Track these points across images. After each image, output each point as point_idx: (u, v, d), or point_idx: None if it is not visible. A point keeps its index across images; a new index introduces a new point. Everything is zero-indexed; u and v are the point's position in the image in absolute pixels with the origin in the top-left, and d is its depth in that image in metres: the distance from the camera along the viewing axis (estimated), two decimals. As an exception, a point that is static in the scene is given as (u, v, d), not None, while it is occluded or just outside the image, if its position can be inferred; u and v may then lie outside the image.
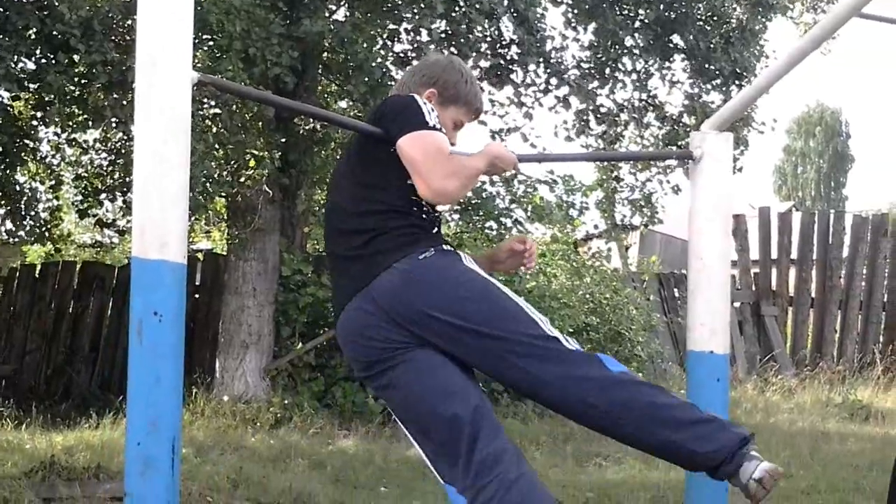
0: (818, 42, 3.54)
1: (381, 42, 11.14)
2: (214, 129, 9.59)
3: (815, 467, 8.14)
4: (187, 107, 2.96)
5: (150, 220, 2.88)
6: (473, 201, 11.29)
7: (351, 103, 11.52)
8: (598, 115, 12.26)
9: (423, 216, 3.39)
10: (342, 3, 11.25)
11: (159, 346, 2.87)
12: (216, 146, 9.56)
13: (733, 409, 8.88)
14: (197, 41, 2.99)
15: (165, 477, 2.88)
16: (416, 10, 10.21)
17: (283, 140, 10.19)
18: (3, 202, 10.01)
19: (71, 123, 10.90)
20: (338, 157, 11.69)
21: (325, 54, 10.81)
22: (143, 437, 2.86)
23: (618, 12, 11.72)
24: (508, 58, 11.46)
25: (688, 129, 12.26)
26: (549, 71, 11.65)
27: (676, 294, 14.52)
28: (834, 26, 3.40)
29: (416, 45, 10.99)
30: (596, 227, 14.33)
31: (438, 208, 3.48)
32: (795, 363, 13.51)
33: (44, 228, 11.34)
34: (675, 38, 12.12)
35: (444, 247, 3.39)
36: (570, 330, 10.98)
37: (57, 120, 10.45)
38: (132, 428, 2.89)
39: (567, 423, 9.85)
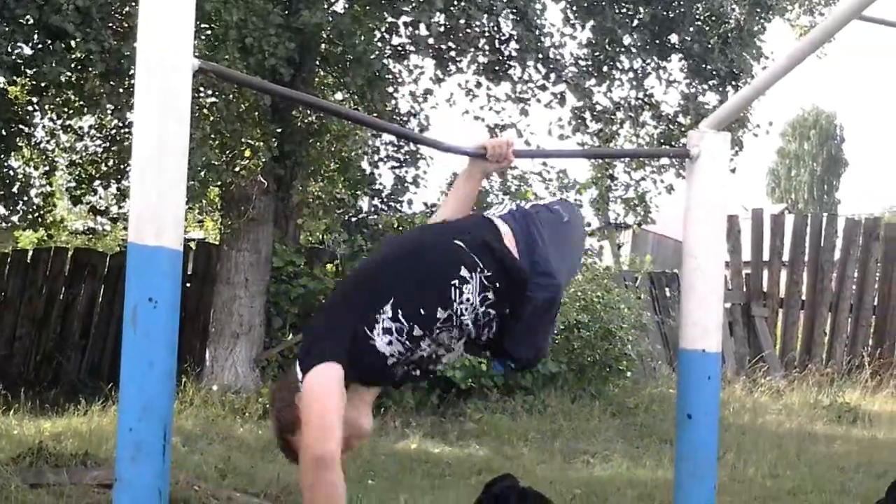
0: (818, 44, 3.56)
1: (379, 35, 11.13)
2: (211, 118, 9.58)
3: (801, 468, 8.17)
4: (187, 94, 2.95)
5: (148, 207, 2.88)
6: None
7: (348, 95, 11.52)
8: (595, 113, 12.25)
9: None
10: (341, -5, 11.25)
11: (153, 331, 2.87)
12: (212, 135, 9.55)
13: (721, 409, 8.90)
14: (194, 30, 2.98)
15: (157, 463, 2.88)
16: (415, 4, 10.20)
17: (280, 131, 10.17)
18: (-4, 187, 9.99)
19: (66, 110, 10.89)
20: (333, 149, 11.71)
21: (323, 46, 10.81)
22: (135, 423, 2.86)
23: (616, 10, 11.71)
24: (507, 54, 11.46)
25: (683, 129, 12.25)
26: (546, 67, 11.64)
27: (668, 294, 14.53)
28: (834, 28, 3.41)
29: (414, 39, 10.99)
30: (588, 224, 14.31)
31: None
32: (784, 365, 13.53)
33: (36, 214, 11.33)
34: (673, 38, 12.11)
35: None
36: (561, 327, 10.99)
37: (52, 106, 10.45)
38: (124, 413, 2.89)
39: (556, 419, 9.88)
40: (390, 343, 3.30)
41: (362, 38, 10.02)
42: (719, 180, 3.92)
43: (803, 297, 14.23)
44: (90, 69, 9.20)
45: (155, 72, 2.90)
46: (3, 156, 10.03)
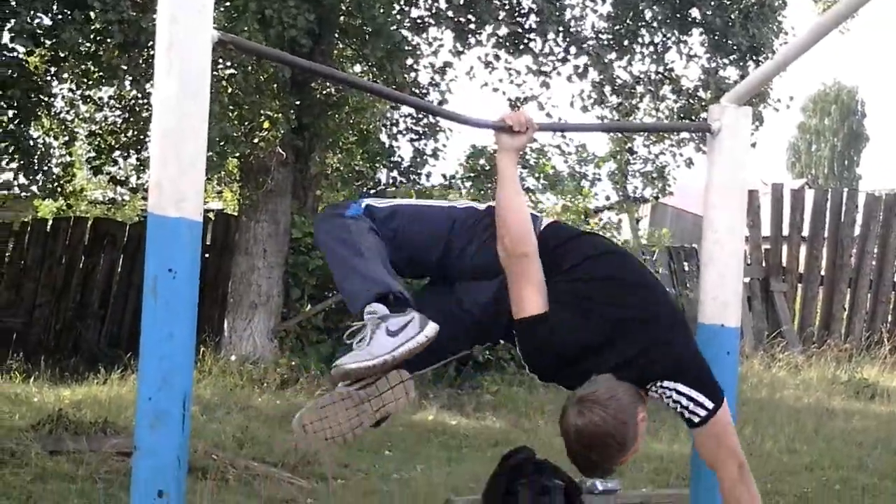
0: (841, 19, 3.52)
1: (398, 7, 11.10)
2: (230, 90, 9.58)
3: (819, 443, 8.17)
4: (207, 65, 2.95)
5: (168, 178, 2.88)
6: (487, 168, 11.28)
7: (367, 67, 11.50)
8: (615, 87, 12.20)
9: None
10: (361, -34, 11.21)
11: (173, 302, 2.87)
12: (231, 107, 9.56)
13: (740, 384, 8.88)
14: (214, 1, 2.98)
15: (176, 432, 2.89)
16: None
17: (298, 103, 10.17)
18: (16, 156, 10.00)
19: (85, 80, 10.91)
20: (352, 121, 11.70)
21: (342, 18, 10.78)
22: (154, 392, 2.87)
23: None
24: (527, 26, 11.42)
25: (703, 104, 12.20)
26: (567, 40, 11.59)
27: (686, 268, 14.50)
28: (858, 3, 3.37)
29: (434, 11, 10.95)
30: (608, 198, 14.28)
31: None
32: (803, 340, 13.50)
33: (56, 184, 11.36)
34: (694, 12, 12.04)
35: None
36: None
37: (71, 76, 10.45)
38: (144, 382, 2.90)
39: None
40: None
41: (381, 10, 10.00)
42: (740, 155, 3.90)
43: (822, 273, 14.17)
44: (108, 40, 9.21)
45: (175, 44, 2.90)
46: (23, 125, 10.04)
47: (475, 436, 8.16)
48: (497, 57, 11.81)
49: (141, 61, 9.40)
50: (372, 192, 11.60)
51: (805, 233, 14.25)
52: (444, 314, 3.39)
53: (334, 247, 3.44)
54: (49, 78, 10.58)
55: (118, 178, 11.96)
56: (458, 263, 3.57)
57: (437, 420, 8.78)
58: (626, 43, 12.10)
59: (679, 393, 3.26)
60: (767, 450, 7.83)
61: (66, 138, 11.97)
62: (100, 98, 11.86)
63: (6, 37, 9.16)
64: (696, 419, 3.28)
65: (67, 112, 12.11)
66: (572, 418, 3.17)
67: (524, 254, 3.40)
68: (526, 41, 11.50)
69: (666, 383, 3.27)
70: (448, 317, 3.41)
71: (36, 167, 10.24)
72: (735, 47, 11.87)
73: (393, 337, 3.16)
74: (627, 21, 11.86)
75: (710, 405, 3.27)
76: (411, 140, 11.66)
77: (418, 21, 11.42)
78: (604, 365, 3.24)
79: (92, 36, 9.58)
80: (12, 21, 8.72)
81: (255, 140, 9.98)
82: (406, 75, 10.66)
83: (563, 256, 3.48)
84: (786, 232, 14.23)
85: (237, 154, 10.09)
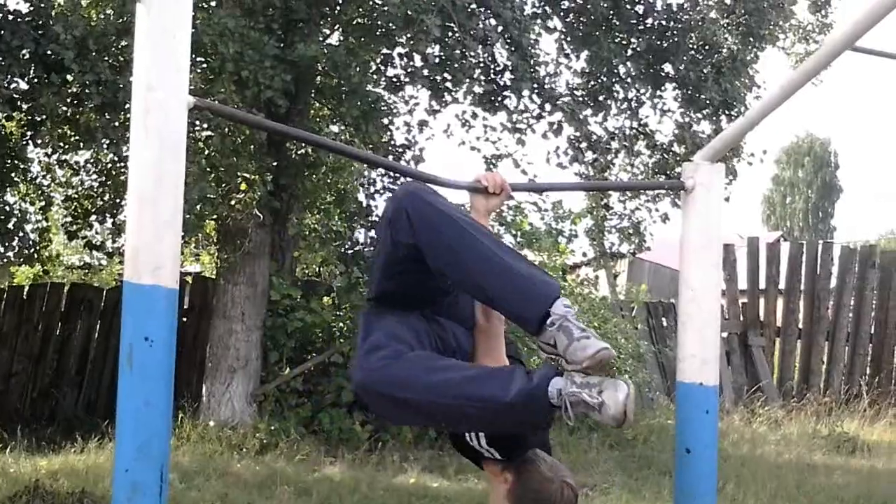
0: (811, 75, 3.56)
1: (374, 66, 11.18)
2: (207, 152, 9.60)
3: (801, 500, 8.14)
4: (183, 131, 2.95)
5: (144, 245, 2.87)
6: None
7: (343, 127, 11.55)
8: (590, 143, 12.29)
9: None
10: (337, 28, 11.29)
11: (149, 370, 2.85)
12: (208, 168, 9.57)
13: (721, 439, 8.88)
14: (190, 63, 2.99)
15: (153, 503, 2.86)
16: (410, 36, 10.24)
17: (275, 164, 10.19)
18: (-8, 223, 9.99)
19: (62, 144, 10.91)
20: (329, 180, 11.71)
21: (319, 78, 10.85)
22: (131, 463, 2.83)
23: (611, 40, 11.79)
24: (502, 83, 11.49)
25: (678, 158, 12.30)
26: (542, 97, 11.68)
27: (665, 323, 14.53)
28: (827, 59, 3.41)
29: (409, 70, 11.02)
30: (585, 254, 14.32)
31: None
32: (782, 394, 13.51)
33: (32, 249, 11.32)
34: (667, 67, 12.18)
35: None
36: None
37: (48, 140, 10.46)
38: (121, 453, 2.86)
39: (554, 452, 9.82)
40: None
41: (357, 69, 10.06)
42: (714, 212, 3.92)
43: (800, 326, 14.22)
44: (86, 102, 9.23)
45: (150, 108, 2.90)
46: (-1, 191, 10.05)
47: (457, 498, 8.09)
48: (474, 115, 11.88)
49: (118, 123, 9.41)
50: (350, 252, 11.58)
51: (781, 286, 14.31)
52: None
53: (473, 235, 3.24)
54: (25, 143, 10.58)
55: (94, 242, 11.91)
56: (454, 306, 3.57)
57: (419, 483, 8.71)
58: (600, 98, 12.21)
59: None
60: (751, 506, 7.80)
61: (43, 203, 11.94)
62: (76, 162, 11.86)
63: (-18, 103, 9.18)
64: None
65: (44, 177, 12.10)
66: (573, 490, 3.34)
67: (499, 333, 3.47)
68: (501, 98, 11.58)
69: None
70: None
71: (12, 233, 10.21)
72: (708, 102, 12.00)
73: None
74: (601, 77, 11.97)
75: None
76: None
77: (394, 80, 11.49)
78: None
79: (69, 99, 9.60)
80: (-11, 86, 8.75)
81: (233, 202, 9.98)
82: (382, 135, 10.70)
83: None
84: (762, 285, 14.29)
85: (215, 216, 10.08)
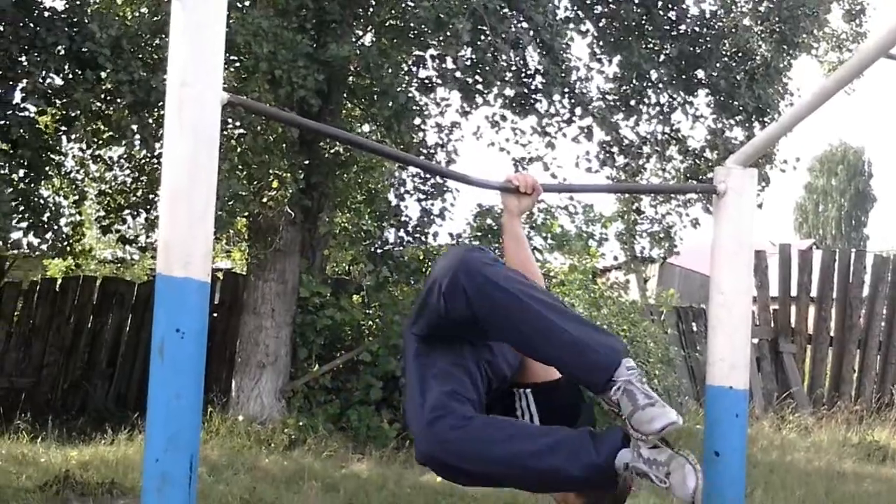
0: (844, 83, 3.54)
1: (406, 68, 11.20)
2: (239, 150, 9.65)
3: (830, 507, 8.09)
4: (216, 127, 2.98)
5: (176, 238, 2.89)
6: (494, 227, 11.31)
7: (375, 127, 11.58)
8: (622, 147, 12.26)
9: None
10: (369, 29, 11.33)
11: (180, 362, 2.87)
12: (240, 166, 9.62)
13: (750, 445, 8.83)
14: (224, 62, 2.98)
15: (182, 494, 2.88)
16: (441, 38, 10.27)
17: (307, 162, 10.24)
18: (26, 215, 10.05)
19: (96, 140, 10.99)
20: (360, 180, 11.74)
21: (351, 78, 10.88)
22: (161, 454, 2.86)
23: (643, 45, 11.75)
24: (533, 87, 11.49)
25: (710, 164, 12.25)
26: (573, 101, 11.67)
27: (695, 328, 14.46)
28: (861, 67, 3.39)
29: (441, 72, 11.04)
30: (615, 258, 14.28)
31: None
32: (813, 402, 13.43)
33: (66, 243, 11.40)
34: (700, 73, 12.13)
35: None
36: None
37: (82, 136, 10.54)
38: (151, 444, 2.89)
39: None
40: None
41: (389, 70, 10.10)
42: (746, 216, 3.91)
43: (832, 334, 14.13)
44: (119, 100, 9.30)
45: (184, 105, 2.93)
46: (33, 185, 10.11)
47: (485, 498, 8.08)
48: (504, 118, 11.88)
49: (151, 121, 9.47)
50: (379, 251, 11.61)
51: (813, 294, 14.22)
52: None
53: (531, 305, 3.19)
54: (59, 137, 10.67)
55: (127, 237, 12.00)
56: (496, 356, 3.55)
57: (446, 482, 8.69)
58: (632, 103, 12.17)
59: None
60: (778, 513, 7.77)
61: (76, 197, 12.03)
62: (110, 157, 11.95)
63: (18, 96, 9.27)
64: None
65: (77, 171, 12.20)
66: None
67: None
68: (532, 102, 11.57)
69: None
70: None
71: (46, 226, 10.29)
72: (741, 108, 11.94)
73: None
74: (633, 82, 11.93)
75: None
76: (419, 200, 11.69)
77: (426, 81, 11.51)
78: None
79: (103, 96, 9.68)
80: (24, 81, 8.82)
81: (264, 199, 10.03)
82: (413, 135, 10.73)
83: None
84: (794, 293, 14.21)
85: (246, 213, 10.14)
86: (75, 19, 9.01)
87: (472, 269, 3.20)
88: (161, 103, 8.19)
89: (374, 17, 11.16)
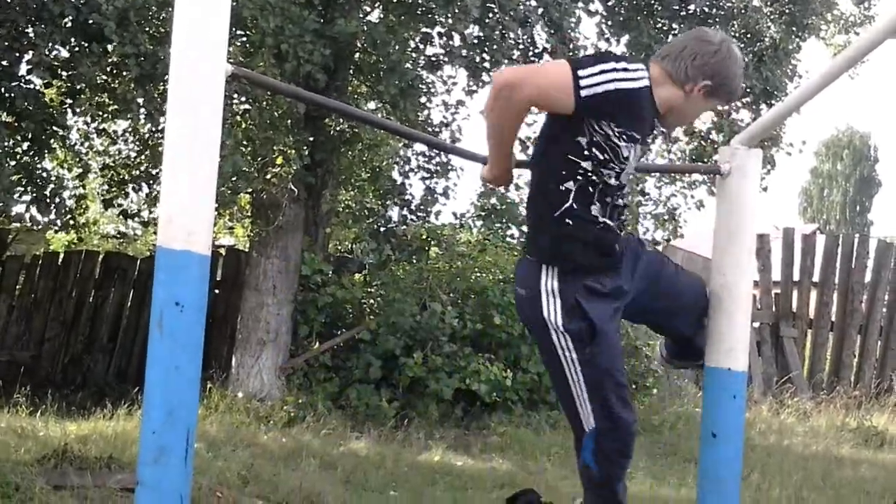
0: (851, 63, 3.52)
1: (413, 45, 11.15)
2: (243, 125, 9.63)
3: (827, 492, 8.08)
4: (220, 98, 2.96)
5: (178, 210, 2.89)
6: (498, 207, 11.29)
7: (381, 104, 11.55)
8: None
9: None
10: (377, 5, 11.27)
11: (179, 335, 2.87)
12: (244, 142, 9.59)
13: (748, 429, 8.83)
14: (230, 36, 2.94)
15: (179, 467, 2.88)
16: (449, 15, 10.21)
17: (311, 139, 10.20)
18: (29, 188, 10.05)
19: (100, 113, 10.96)
20: (365, 158, 11.69)
21: (358, 54, 10.84)
22: (158, 426, 2.86)
23: (652, 25, 11.70)
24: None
25: (715, 146, 12.21)
26: (579, 80, 11.61)
27: (696, 311, 14.42)
28: (868, 47, 3.37)
29: (448, 49, 11.00)
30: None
31: None
32: (812, 386, 13.42)
33: (69, 216, 11.39)
34: (708, 54, 12.07)
35: None
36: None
37: (87, 109, 10.51)
38: (148, 416, 2.89)
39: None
40: None
41: (396, 47, 10.06)
42: (749, 197, 3.89)
43: (833, 319, 14.10)
44: (124, 73, 9.27)
45: (188, 76, 2.91)
46: (37, 157, 10.09)
47: (481, 477, 8.10)
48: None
49: (156, 94, 9.45)
50: (382, 229, 11.59)
51: (816, 278, 14.19)
52: None
53: None
54: (64, 110, 10.65)
55: (130, 211, 11.98)
56: None
57: (443, 461, 8.73)
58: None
59: None
60: (775, 497, 7.75)
61: (80, 171, 12.01)
62: (114, 131, 11.92)
63: (24, 69, 9.24)
64: None
65: (82, 144, 12.17)
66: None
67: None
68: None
69: None
70: None
71: (49, 199, 10.27)
72: (749, 90, 11.89)
73: None
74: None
75: None
76: (423, 178, 11.67)
77: (433, 59, 11.47)
78: None
79: (108, 69, 9.64)
80: (30, 53, 8.80)
81: (268, 176, 10.00)
82: (419, 112, 10.69)
83: None
84: (796, 277, 14.17)
85: (250, 189, 10.12)
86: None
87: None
88: (167, 77, 8.16)
89: (381, -7, 11.11)
